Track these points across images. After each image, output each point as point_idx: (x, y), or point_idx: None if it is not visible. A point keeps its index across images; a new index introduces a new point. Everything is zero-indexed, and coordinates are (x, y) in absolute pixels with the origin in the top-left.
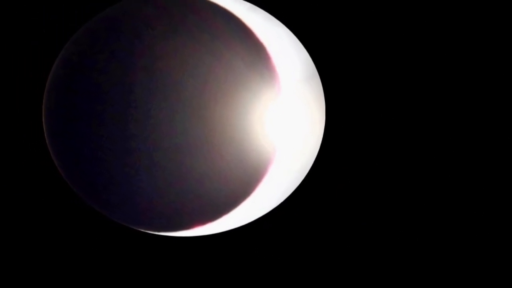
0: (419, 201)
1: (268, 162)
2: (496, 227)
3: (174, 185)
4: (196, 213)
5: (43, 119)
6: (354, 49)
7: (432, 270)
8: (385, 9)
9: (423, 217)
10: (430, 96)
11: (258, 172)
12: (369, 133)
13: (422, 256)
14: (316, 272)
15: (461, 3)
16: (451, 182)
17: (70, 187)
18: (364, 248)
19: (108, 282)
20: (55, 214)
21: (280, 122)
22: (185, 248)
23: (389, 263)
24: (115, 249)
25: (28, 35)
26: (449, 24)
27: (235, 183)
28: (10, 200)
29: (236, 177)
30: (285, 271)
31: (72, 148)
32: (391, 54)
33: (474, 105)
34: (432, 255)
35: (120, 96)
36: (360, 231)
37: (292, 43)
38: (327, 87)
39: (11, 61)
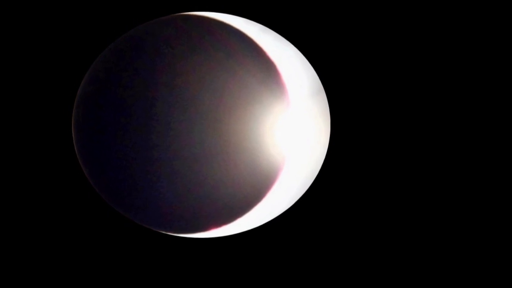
0: (418, 202)
1: (278, 169)
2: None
3: (192, 191)
4: (212, 217)
5: (72, 131)
6: (358, 66)
7: (439, 272)
8: (385, 34)
9: (421, 217)
10: (428, 108)
11: (269, 178)
12: (370, 143)
13: (424, 255)
14: (318, 271)
15: (463, 9)
16: (454, 192)
17: (97, 193)
18: (367, 248)
19: (131, 280)
20: (83, 217)
21: (289, 133)
22: (202, 248)
23: (391, 263)
24: (138, 249)
25: (59, 54)
26: (452, 39)
27: (248, 189)
28: (43, 205)
29: (248, 183)
30: (293, 270)
31: (99, 157)
32: (390, 72)
33: (479, 112)
34: (435, 257)
35: (143, 110)
36: (364, 232)
37: (300, 61)
38: (332, 101)
39: (42, 78)
